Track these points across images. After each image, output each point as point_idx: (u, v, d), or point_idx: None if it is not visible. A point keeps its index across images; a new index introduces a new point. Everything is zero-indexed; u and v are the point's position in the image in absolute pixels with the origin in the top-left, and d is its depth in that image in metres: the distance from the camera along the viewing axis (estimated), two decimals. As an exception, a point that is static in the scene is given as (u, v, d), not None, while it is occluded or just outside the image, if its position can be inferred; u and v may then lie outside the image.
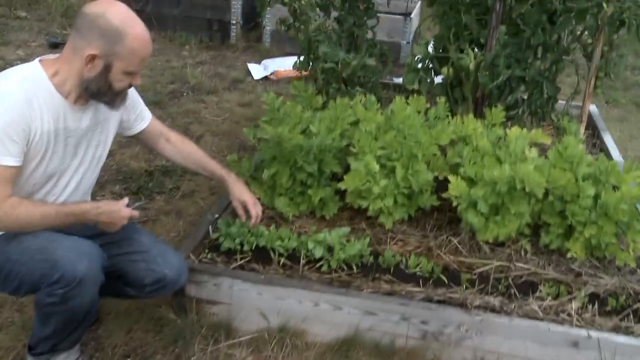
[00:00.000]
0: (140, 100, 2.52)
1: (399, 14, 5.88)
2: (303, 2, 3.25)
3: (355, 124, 2.98)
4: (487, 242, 2.73)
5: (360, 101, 3.13)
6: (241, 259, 2.61)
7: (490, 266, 2.61)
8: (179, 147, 2.62)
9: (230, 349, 2.48)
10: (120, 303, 2.61)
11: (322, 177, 2.91)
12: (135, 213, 2.26)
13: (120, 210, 2.19)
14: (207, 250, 2.66)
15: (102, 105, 2.19)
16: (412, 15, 5.94)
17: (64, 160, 2.20)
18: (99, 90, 2.09)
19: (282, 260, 2.60)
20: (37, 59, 2.12)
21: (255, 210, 2.56)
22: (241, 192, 2.56)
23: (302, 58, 3.46)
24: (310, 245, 2.57)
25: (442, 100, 3.14)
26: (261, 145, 2.87)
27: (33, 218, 2.06)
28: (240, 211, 2.59)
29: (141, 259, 2.35)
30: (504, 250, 2.72)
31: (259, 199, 2.86)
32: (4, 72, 2.10)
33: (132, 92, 2.44)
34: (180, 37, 6.37)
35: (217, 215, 2.84)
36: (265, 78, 5.66)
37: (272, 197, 2.91)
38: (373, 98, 3.13)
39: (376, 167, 2.73)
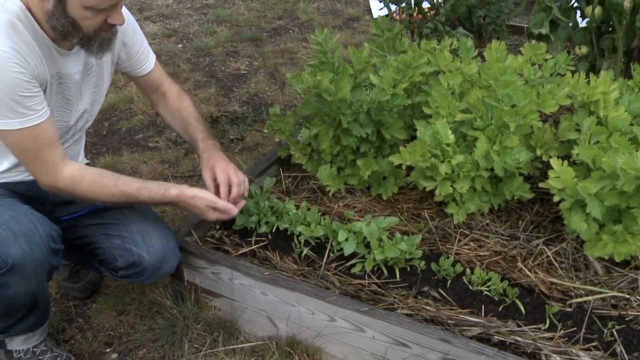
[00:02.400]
0: (142, 39, 1.98)
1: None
2: None
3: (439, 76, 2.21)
4: (601, 259, 1.89)
5: (451, 45, 2.34)
6: (256, 242, 2.03)
7: (599, 296, 1.78)
8: (170, 103, 2.07)
9: (228, 356, 1.94)
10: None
11: (384, 144, 2.20)
12: (234, 210, 1.89)
13: (205, 215, 1.86)
14: (217, 227, 2.11)
15: None
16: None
17: (57, 110, 1.77)
18: (64, 29, 1.58)
19: (306, 251, 1.97)
20: None
21: (235, 190, 1.91)
22: (214, 167, 1.92)
23: (391, -12, 2.70)
24: (341, 237, 1.91)
25: (565, 52, 2.25)
26: (305, 98, 2.21)
27: (99, 198, 1.76)
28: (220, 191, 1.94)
29: (117, 233, 1.87)
30: (626, 274, 1.86)
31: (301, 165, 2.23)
32: None
33: (132, 27, 1.91)
34: (303, -33, 5.76)
35: (245, 181, 2.26)
36: (387, 17, 4.89)
37: (317, 164, 2.26)
38: (470, 42, 2.31)
39: (451, 136, 1.97)
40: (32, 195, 1.80)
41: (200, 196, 1.81)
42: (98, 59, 1.80)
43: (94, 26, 1.60)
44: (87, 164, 2.04)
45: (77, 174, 1.70)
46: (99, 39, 1.64)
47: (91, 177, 1.72)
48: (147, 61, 2.00)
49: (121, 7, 1.64)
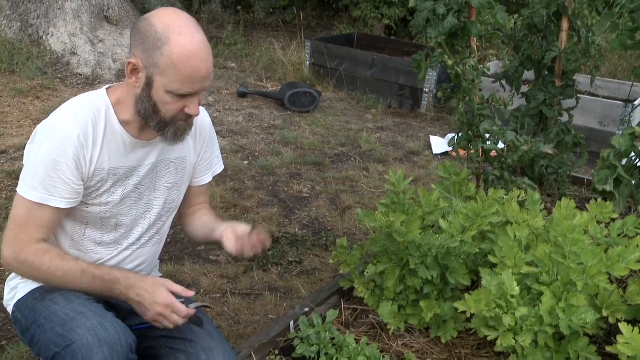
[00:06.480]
0: (218, 149, 2.12)
1: (620, 100, 4.93)
2: (470, 64, 2.64)
3: (505, 226, 2.27)
4: None
5: (519, 197, 2.41)
6: (314, 373, 2.04)
7: None
8: (195, 218, 2.12)
9: None
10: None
11: (446, 287, 2.23)
12: (181, 308, 1.75)
13: (155, 295, 1.74)
14: (277, 352, 2.13)
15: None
16: (636, 103, 4.93)
17: (124, 203, 1.87)
18: (146, 112, 1.73)
19: (363, 388, 1.97)
20: (105, 86, 1.85)
21: (247, 241, 1.87)
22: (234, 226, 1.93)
23: (460, 134, 2.84)
24: (400, 379, 1.91)
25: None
26: (375, 234, 2.29)
27: (55, 272, 1.74)
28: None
29: (183, 348, 1.91)
30: None
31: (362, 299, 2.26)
32: (70, 101, 1.81)
33: (210, 130, 2.04)
34: (369, 99, 6.06)
35: (306, 310, 2.31)
36: (446, 154, 5.05)
37: (379, 299, 2.30)
38: (537, 195, 2.38)
39: (516, 288, 1.99)
40: (111, 302, 1.88)
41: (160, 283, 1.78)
42: (168, 144, 1.84)
43: (172, 112, 1.71)
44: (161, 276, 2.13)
45: (45, 248, 1.74)
46: (174, 126, 1.75)
47: (56, 251, 1.75)
48: (205, 174, 2.07)
49: (199, 100, 1.74)
